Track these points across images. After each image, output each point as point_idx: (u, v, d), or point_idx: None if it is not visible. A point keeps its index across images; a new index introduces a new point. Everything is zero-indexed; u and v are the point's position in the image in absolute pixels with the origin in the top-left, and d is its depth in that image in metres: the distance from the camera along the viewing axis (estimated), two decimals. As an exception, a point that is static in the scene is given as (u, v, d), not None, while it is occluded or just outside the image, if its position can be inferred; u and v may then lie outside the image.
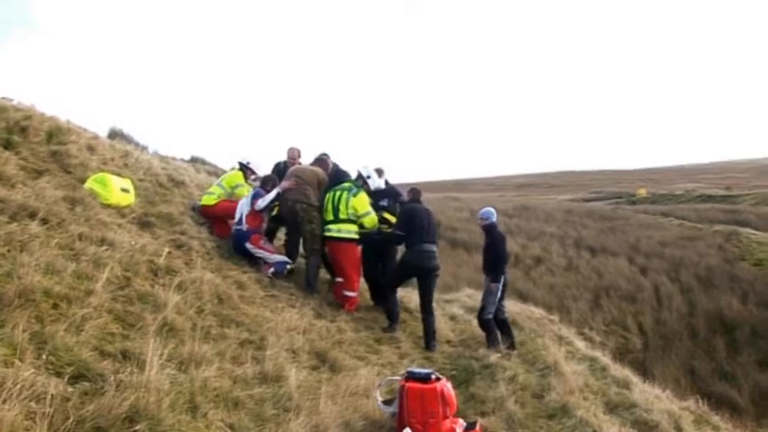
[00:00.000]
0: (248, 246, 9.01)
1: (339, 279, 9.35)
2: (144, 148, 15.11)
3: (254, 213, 9.19)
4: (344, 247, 9.19)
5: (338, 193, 9.20)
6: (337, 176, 9.81)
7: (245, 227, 9.12)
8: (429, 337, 8.82)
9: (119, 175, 8.68)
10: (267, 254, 9.11)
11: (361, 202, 9.16)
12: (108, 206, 7.60)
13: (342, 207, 9.09)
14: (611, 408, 7.76)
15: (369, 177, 9.59)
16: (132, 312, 5.03)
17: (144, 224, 7.91)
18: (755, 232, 32.12)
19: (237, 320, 6.27)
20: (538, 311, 12.74)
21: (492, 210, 10.07)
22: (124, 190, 8.19)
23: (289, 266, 9.27)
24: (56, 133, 8.92)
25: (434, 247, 9.12)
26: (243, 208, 9.28)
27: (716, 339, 19.89)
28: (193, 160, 22.52)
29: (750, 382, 16.58)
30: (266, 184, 9.63)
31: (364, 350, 7.56)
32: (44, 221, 5.83)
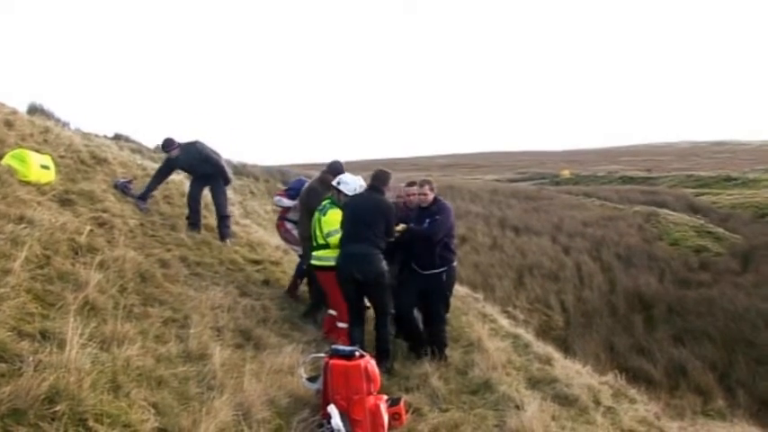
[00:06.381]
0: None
1: (332, 312, 8.04)
2: (65, 125, 14.76)
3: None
4: (324, 276, 7.85)
5: (316, 215, 7.88)
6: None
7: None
8: (379, 355, 7.16)
9: (38, 151, 8.44)
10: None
11: (330, 221, 7.66)
12: (27, 183, 7.40)
13: (318, 232, 7.79)
14: (533, 383, 7.96)
15: (339, 183, 7.81)
16: (52, 291, 4.95)
17: (65, 202, 7.74)
18: (672, 213, 33.12)
19: (161, 299, 6.22)
20: (462, 290, 12.90)
21: None
22: (44, 167, 7.98)
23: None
24: (-30, 107, 8.64)
25: (366, 248, 7.23)
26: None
27: (634, 316, 20.46)
28: (117, 137, 22.01)
29: (665, 356, 17.13)
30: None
31: (289, 328, 7.57)
32: (-42, 198, 5.68)
